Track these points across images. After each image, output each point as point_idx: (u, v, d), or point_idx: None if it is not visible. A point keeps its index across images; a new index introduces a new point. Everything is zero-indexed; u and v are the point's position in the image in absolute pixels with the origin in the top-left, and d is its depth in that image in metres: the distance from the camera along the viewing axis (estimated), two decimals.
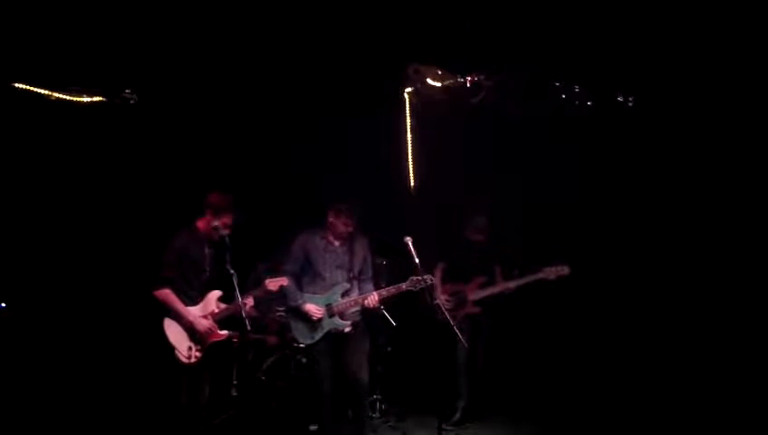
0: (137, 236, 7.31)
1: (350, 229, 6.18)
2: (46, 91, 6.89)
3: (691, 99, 7.20)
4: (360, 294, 6.22)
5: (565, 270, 7.07)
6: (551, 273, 7.07)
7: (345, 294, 6.20)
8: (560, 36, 6.97)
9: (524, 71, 7.29)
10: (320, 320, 6.12)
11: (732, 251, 7.21)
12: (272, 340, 7.31)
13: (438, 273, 7.21)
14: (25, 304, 6.97)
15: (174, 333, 5.79)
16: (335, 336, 6.16)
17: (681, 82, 7.14)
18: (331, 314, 6.12)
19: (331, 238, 6.22)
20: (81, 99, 7.04)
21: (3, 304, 6.85)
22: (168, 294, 5.77)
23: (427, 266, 6.84)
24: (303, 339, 6.22)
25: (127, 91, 7.10)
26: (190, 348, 5.80)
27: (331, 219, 6.18)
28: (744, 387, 6.87)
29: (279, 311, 7.15)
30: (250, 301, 6.06)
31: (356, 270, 6.24)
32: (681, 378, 7.25)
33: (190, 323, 5.80)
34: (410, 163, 7.73)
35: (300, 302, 6.15)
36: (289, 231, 7.73)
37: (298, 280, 6.24)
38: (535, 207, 7.83)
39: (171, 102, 7.31)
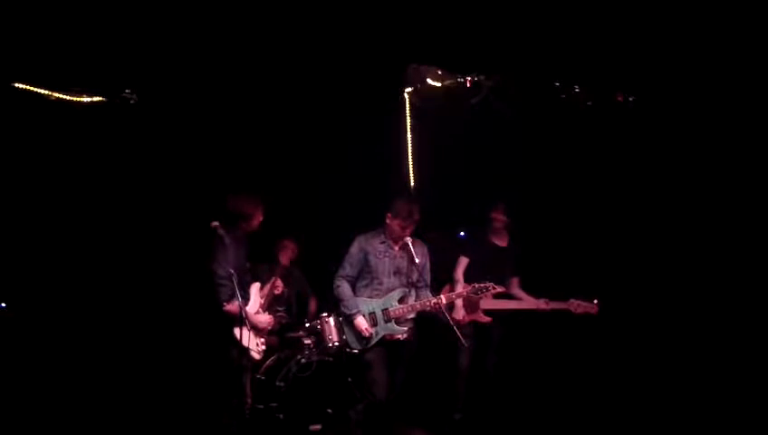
0: (136, 237, 7.31)
1: (407, 233, 6.05)
2: (46, 91, 6.89)
3: (691, 99, 7.20)
4: (417, 300, 6.12)
5: (594, 308, 6.70)
6: (578, 307, 6.73)
7: (402, 299, 6.11)
8: (560, 36, 6.98)
9: (524, 71, 7.30)
10: (374, 325, 6.03)
11: (733, 251, 7.20)
12: (272, 340, 7.32)
13: (460, 268, 6.92)
14: (25, 305, 6.97)
15: (245, 336, 5.88)
16: (389, 343, 6.07)
17: (681, 82, 7.14)
18: (387, 320, 6.03)
19: (391, 242, 6.12)
20: (81, 99, 7.04)
21: (3, 305, 6.85)
22: (238, 307, 5.77)
23: (449, 263, 6.85)
24: (356, 344, 6.09)
25: (127, 91, 7.10)
26: (257, 344, 6.15)
27: (387, 221, 6.10)
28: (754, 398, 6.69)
29: (279, 311, 7.16)
30: (279, 283, 6.79)
31: (414, 276, 6.12)
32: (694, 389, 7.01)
33: (254, 325, 6.07)
34: (410, 163, 7.72)
35: (354, 312, 6.05)
36: (288, 231, 7.78)
37: (353, 285, 6.16)
38: (535, 206, 7.82)
39: (171, 102, 7.30)
